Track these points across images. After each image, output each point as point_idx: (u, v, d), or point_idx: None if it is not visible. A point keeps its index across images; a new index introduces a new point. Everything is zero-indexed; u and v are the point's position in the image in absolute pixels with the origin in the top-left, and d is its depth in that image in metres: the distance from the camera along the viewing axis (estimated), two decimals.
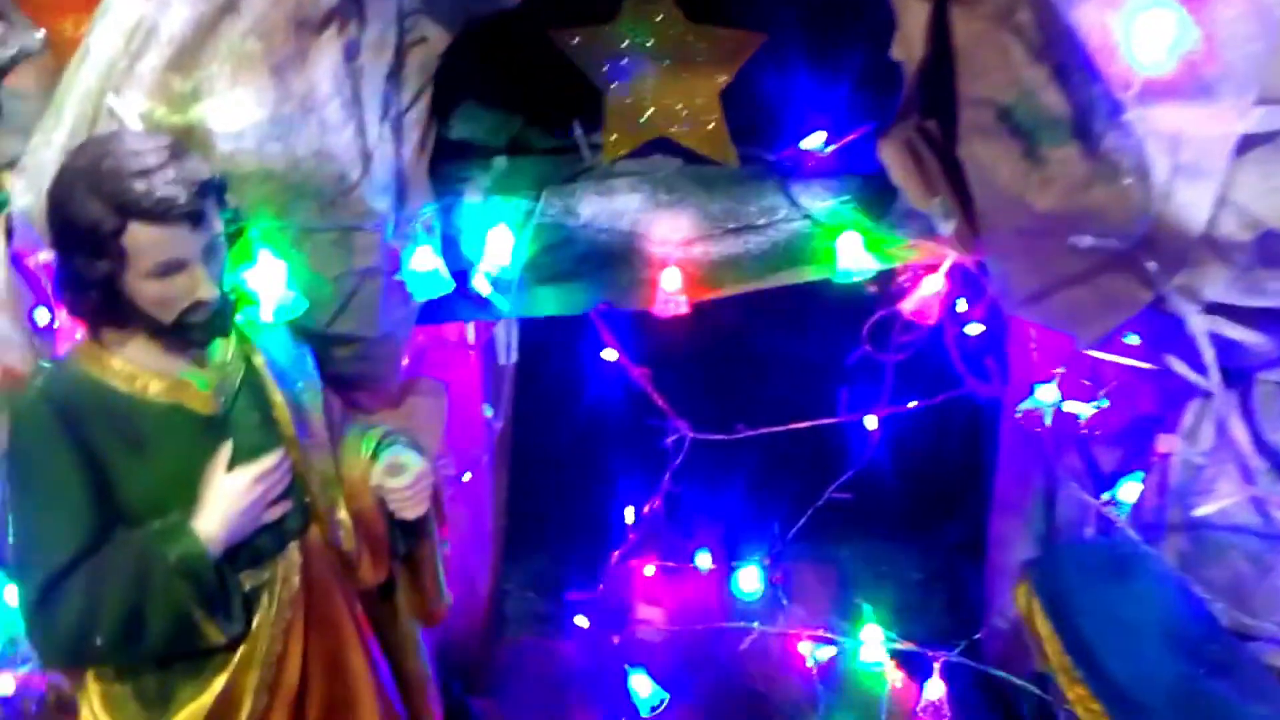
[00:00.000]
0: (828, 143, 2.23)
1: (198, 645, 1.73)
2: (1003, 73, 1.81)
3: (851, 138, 2.21)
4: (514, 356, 2.38)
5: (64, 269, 1.62)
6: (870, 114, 2.21)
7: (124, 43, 1.80)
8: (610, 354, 2.81)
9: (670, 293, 2.28)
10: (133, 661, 1.75)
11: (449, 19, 2.18)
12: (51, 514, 1.66)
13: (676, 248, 2.27)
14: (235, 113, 1.82)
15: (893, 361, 2.62)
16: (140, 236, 1.56)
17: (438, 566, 2.13)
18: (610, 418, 3.17)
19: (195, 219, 1.58)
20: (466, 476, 2.74)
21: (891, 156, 2.05)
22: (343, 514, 1.95)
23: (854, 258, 2.22)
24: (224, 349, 1.81)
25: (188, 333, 1.68)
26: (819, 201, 2.24)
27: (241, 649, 1.79)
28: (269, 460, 1.80)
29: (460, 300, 2.34)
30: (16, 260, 2.03)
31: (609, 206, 2.27)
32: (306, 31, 1.89)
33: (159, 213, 1.54)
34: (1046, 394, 2.31)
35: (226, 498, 1.74)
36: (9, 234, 2.03)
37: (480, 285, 2.32)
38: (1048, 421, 2.33)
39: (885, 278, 2.98)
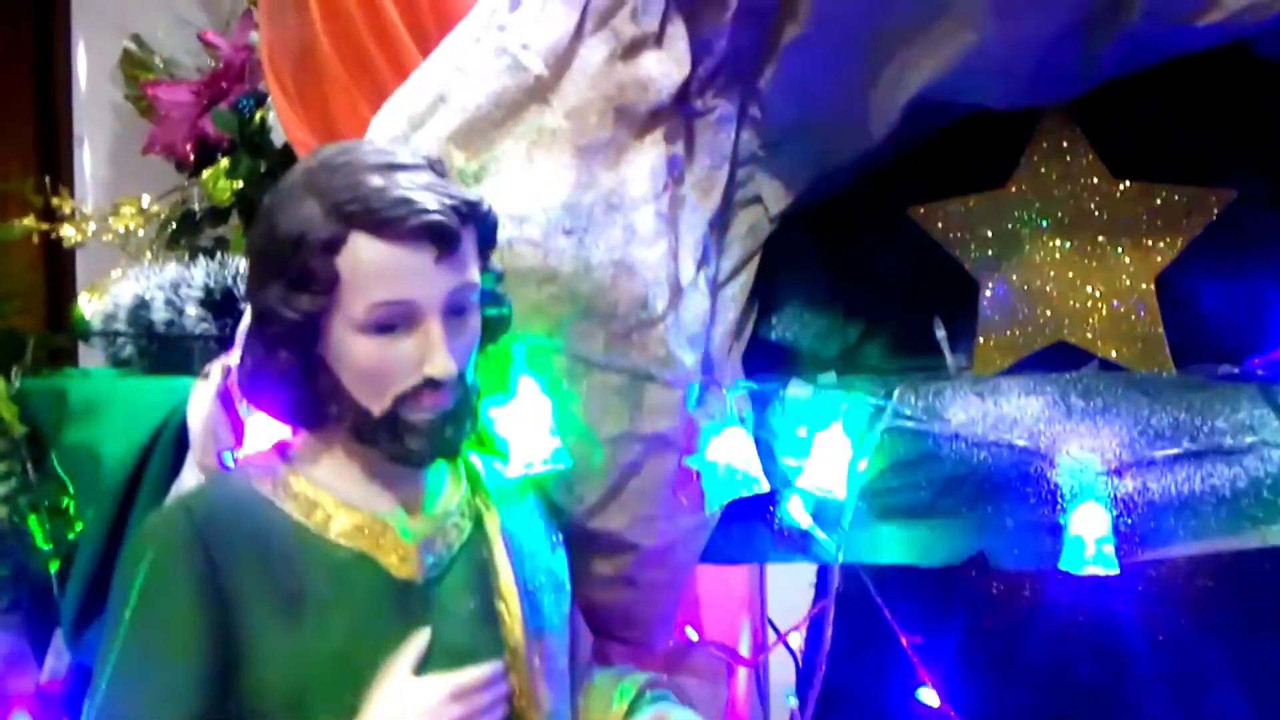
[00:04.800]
0: None
1: None
2: None
3: None
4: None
5: (254, 315, 1.13)
6: None
7: (409, 111, 1.44)
8: (930, 696, 2.09)
9: (1089, 544, 1.52)
10: None
11: (789, 177, 1.72)
12: (140, 684, 1.06)
13: (1097, 477, 1.54)
14: (523, 192, 1.38)
15: None
16: (364, 254, 1.06)
17: None
18: None
19: (444, 243, 1.07)
20: None
21: None
22: None
23: None
24: (447, 493, 1.24)
25: (402, 440, 1.12)
26: None
27: None
28: (479, 672, 1.14)
29: (766, 533, 1.69)
30: (226, 398, 1.62)
31: (994, 412, 1.60)
32: (625, 125, 1.47)
33: (394, 218, 1.05)
34: None
35: (404, 712, 1.08)
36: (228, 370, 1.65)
37: (797, 513, 1.66)
38: None
39: None
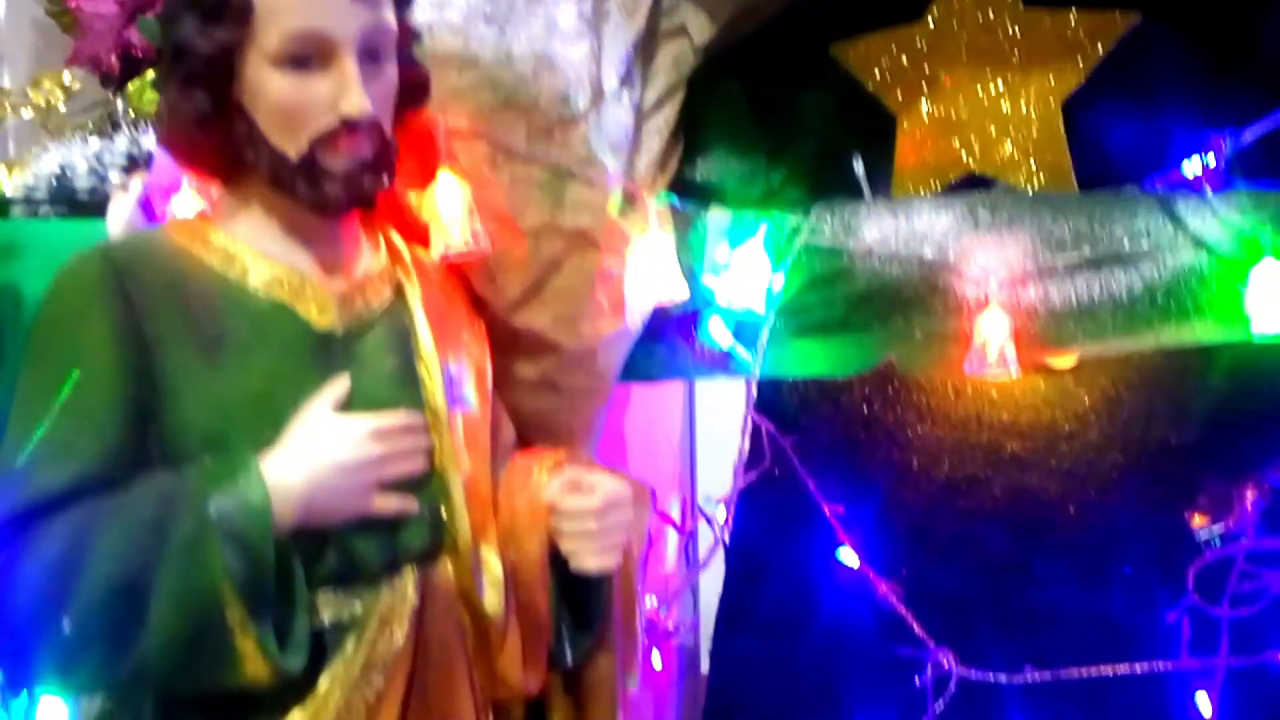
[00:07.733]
0: (1233, 149, 1.58)
1: (222, 677, 1.02)
2: None
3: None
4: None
5: (169, 54, 1.13)
6: None
7: None
8: (850, 556, 2.17)
9: (992, 348, 1.59)
10: (111, 686, 1.04)
11: (714, 6, 1.75)
12: (60, 414, 1.07)
13: (1001, 287, 1.61)
14: None
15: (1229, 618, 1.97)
16: None
17: (615, 699, 1.36)
18: (847, 643, 2.39)
19: None
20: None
21: None
22: (491, 554, 1.26)
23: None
24: (367, 258, 1.25)
25: (320, 185, 1.13)
26: (1220, 224, 1.56)
27: (295, 715, 1.07)
28: (401, 417, 1.17)
29: (688, 352, 1.73)
30: (147, 208, 1.62)
31: (905, 228, 1.66)
32: None
33: None
34: None
35: (325, 441, 1.10)
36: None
37: (717, 332, 1.71)
38: None
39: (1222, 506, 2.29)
